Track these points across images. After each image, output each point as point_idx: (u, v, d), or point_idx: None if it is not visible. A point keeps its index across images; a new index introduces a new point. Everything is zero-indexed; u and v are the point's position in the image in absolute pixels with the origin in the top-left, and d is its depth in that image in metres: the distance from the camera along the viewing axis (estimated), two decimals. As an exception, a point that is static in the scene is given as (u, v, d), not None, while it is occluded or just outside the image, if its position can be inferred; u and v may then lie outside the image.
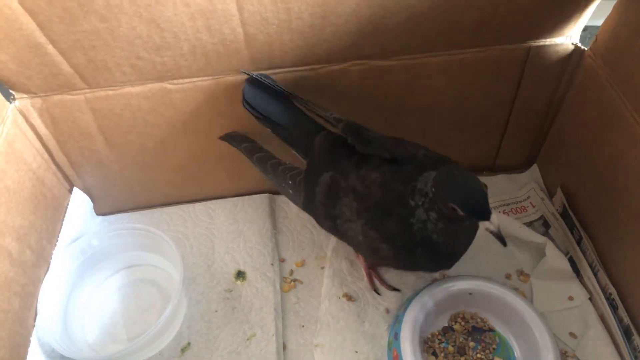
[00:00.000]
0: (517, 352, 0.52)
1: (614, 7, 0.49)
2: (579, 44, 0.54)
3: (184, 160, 0.62)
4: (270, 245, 0.62)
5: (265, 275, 0.59)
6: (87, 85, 0.53)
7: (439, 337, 0.53)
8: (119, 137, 0.58)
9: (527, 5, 0.50)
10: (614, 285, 0.52)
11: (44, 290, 0.53)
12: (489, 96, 0.59)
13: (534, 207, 0.64)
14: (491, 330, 0.53)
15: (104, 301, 0.59)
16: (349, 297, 0.57)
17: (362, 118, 0.56)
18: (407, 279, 0.58)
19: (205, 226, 0.65)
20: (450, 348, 0.52)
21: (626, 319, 0.51)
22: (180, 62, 0.51)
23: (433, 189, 0.42)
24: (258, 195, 0.67)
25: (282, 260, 0.62)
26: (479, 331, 0.53)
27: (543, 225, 0.62)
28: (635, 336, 0.50)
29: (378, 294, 0.57)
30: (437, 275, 0.58)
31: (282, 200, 0.67)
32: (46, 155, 0.58)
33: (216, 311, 0.57)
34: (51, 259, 0.56)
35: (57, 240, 0.58)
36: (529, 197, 0.65)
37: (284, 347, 0.54)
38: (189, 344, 0.54)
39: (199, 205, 0.67)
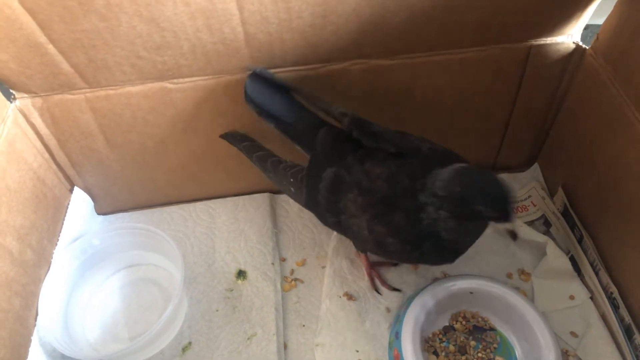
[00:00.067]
0: (518, 352, 0.52)
1: (615, 6, 0.49)
2: (580, 43, 0.54)
3: (185, 159, 0.62)
4: (271, 245, 0.62)
5: (266, 275, 0.59)
6: (88, 84, 0.53)
7: (440, 336, 0.53)
8: (120, 137, 0.58)
9: (528, 4, 0.50)
10: (615, 284, 0.52)
11: (45, 289, 0.53)
12: (489, 95, 0.59)
13: (535, 206, 0.64)
14: (492, 329, 0.53)
15: (105, 300, 0.59)
16: (350, 297, 0.57)
17: (363, 117, 0.56)
18: (408, 278, 0.58)
19: (206, 225, 0.65)
20: (451, 347, 0.52)
21: (627, 318, 0.51)
22: (180, 62, 0.51)
23: (455, 190, 0.41)
24: (259, 194, 0.67)
25: (282, 260, 0.62)
26: (480, 330, 0.53)
27: (544, 225, 0.62)
28: (636, 335, 0.49)
29: (379, 293, 0.57)
30: (438, 274, 0.58)
31: (283, 200, 0.67)
32: (47, 155, 0.58)
33: (217, 310, 0.57)
34: (52, 258, 0.56)
35: (57, 240, 0.58)
36: (530, 196, 0.65)
37: (285, 346, 0.54)
38: (190, 343, 0.54)
39: (199, 205, 0.67)
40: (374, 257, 0.59)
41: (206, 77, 0.54)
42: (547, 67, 0.56)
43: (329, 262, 0.60)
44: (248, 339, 0.54)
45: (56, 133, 0.57)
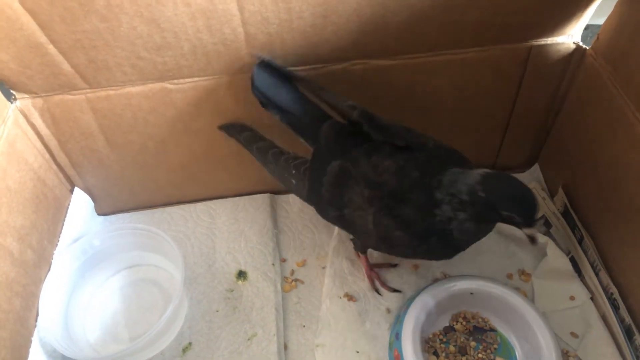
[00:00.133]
0: (518, 352, 0.52)
1: (616, 6, 0.49)
2: (581, 43, 0.54)
3: (185, 160, 0.62)
4: (272, 245, 0.62)
5: (267, 275, 0.59)
6: (88, 85, 0.53)
7: (440, 337, 0.53)
8: (120, 137, 0.58)
9: (528, 4, 0.50)
10: (616, 284, 0.52)
11: (46, 290, 0.53)
12: (490, 95, 0.59)
13: (535, 206, 0.63)
14: (492, 330, 0.53)
15: (106, 301, 0.59)
16: (350, 297, 0.57)
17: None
18: (408, 278, 0.58)
19: (206, 226, 0.65)
20: (452, 348, 0.52)
21: (627, 319, 0.50)
22: (180, 62, 0.51)
23: (480, 195, 0.42)
24: (259, 195, 0.67)
25: (283, 260, 0.62)
26: (481, 331, 0.53)
27: (544, 225, 0.62)
28: (636, 336, 0.49)
29: (379, 294, 0.57)
30: (438, 275, 0.58)
31: (284, 200, 0.67)
32: (47, 155, 0.58)
33: (217, 311, 0.57)
34: (52, 259, 0.56)
35: (58, 240, 0.58)
36: (530, 197, 0.64)
37: (285, 347, 0.54)
38: (190, 344, 0.54)
39: (200, 205, 0.67)
40: (373, 259, 0.59)
41: (207, 78, 0.54)
42: (548, 67, 0.56)
43: (330, 263, 0.60)
44: (248, 339, 0.54)
45: (57, 133, 0.57)
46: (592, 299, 0.55)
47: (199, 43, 0.50)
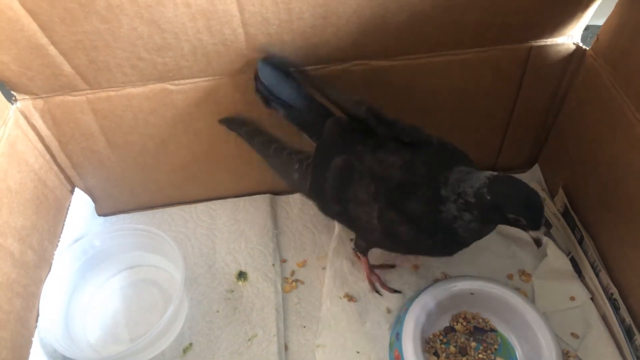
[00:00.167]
0: (518, 352, 0.52)
1: (616, 7, 0.49)
2: (581, 44, 0.54)
3: (185, 160, 0.62)
4: (272, 246, 0.62)
5: (267, 276, 0.59)
6: (89, 86, 0.53)
7: (441, 337, 0.53)
8: (121, 138, 0.58)
9: (528, 5, 0.50)
10: (616, 285, 0.52)
11: (46, 290, 0.53)
12: (490, 96, 0.59)
13: (535, 207, 0.63)
14: (493, 330, 0.53)
15: (106, 302, 0.59)
16: (350, 298, 0.57)
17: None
18: (408, 279, 0.58)
19: (206, 227, 0.65)
20: (452, 348, 0.52)
21: (628, 319, 0.50)
22: (181, 63, 0.51)
23: (486, 198, 0.42)
24: (259, 195, 0.67)
25: (283, 261, 0.62)
26: (481, 331, 0.53)
27: (544, 225, 0.61)
28: (637, 336, 0.49)
29: (379, 294, 0.57)
30: (438, 275, 0.58)
31: (284, 201, 0.67)
32: (48, 156, 0.58)
33: (218, 312, 0.57)
34: (53, 259, 0.56)
35: (58, 241, 0.58)
36: (530, 197, 0.65)
37: (286, 347, 0.54)
38: (190, 344, 0.54)
39: (200, 206, 0.67)
40: (373, 260, 0.59)
41: (207, 78, 0.54)
42: (548, 67, 0.56)
43: (330, 263, 0.60)
44: (249, 340, 0.54)
45: (57, 134, 0.57)
46: (592, 299, 0.55)
47: (199, 44, 0.50)
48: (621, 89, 0.49)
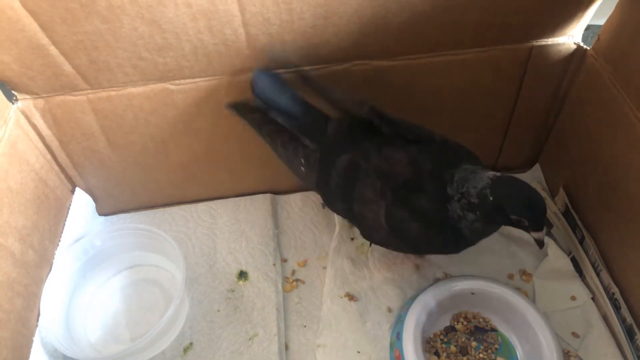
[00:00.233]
0: (519, 352, 0.52)
1: (616, 6, 0.49)
2: (581, 44, 0.54)
3: (186, 160, 0.62)
4: (272, 245, 0.62)
5: (267, 276, 0.59)
6: (90, 86, 0.53)
7: (441, 337, 0.53)
8: (121, 138, 0.58)
9: (528, 4, 0.50)
10: (617, 284, 0.52)
11: (47, 290, 0.53)
12: (490, 96, 0.59)
13: (536, 206, 0.63)
14: (493, 330, 0.53)
15: (107, 301, 0.59)
16: (351, 297, 0.57)
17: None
18: (409, 278, 0.58)
19: (207, 226, 0.65)
20: (453, 348, 0.52)
21: (629, 319, 0.50)
22: (182, 63, 0.51)
23: (491, 198, 0.42)
24: (260, 195, 0.67)
25: (284, 260, 0.62)
26: (482, 331, 0.53)
27: (545, 225, 0.62)
28: (638, 336, 0.49)
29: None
30: (439, 274, 0.58)
31: (284, 201, 0.68)
32: (49, 156, 0.58)
33: (218, 311, 0.57)
34: (54, 259, 0.56)
35: (59, 241, 0.58)
36: (531, 197, 0.65)
37: (286, 347, 0.54)
38: (191, 344, 0.54)
39: (201, 206, 0.67)
40: (374, 260, 0.59)
41: (208, 78, 0.54)
42: (548, 67, 0.56)
43: (330, 263, 0.60)
44: (249, 339, 0.54)
45: (58, 134, 0.57)
46: (593, 299, 0.55)
47: (200, 44, 0.50)
48: (622, 89, 0.49)
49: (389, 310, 0.56)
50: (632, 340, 0.50)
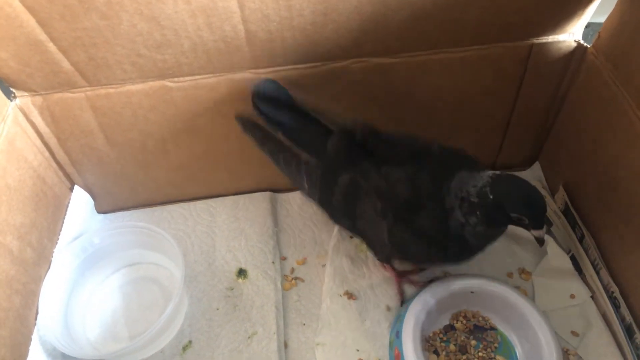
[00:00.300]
0: (519, 351, 0.52)
1: (617, 4, 0.49)
2: (582, 41, 0.54)
3: (185, 158, 0.62)
4: (272, 244, 0.62)
5: (267, 274, 0.59)
6: (88, 83, 0.53)
7: (441, 335, 0.53)
8: (120, 135, 0.58)
9: (529, 2, 0.49)
10: (616, 283, 0.52)
11: (45, 288, 0.53)
12: (490, 94, 0.59)
13: (535, 205, 0.63)
14: (493, 328, 0.53)
15: (105, 299, 0.59)
16: (350, 295, 0.57)
17: (363, 116, 0.56)
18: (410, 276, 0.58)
19: (206, 224, 0.65)
20: (452, 347, 0.52)
21: (628, 318, 0.50)
22: (181, 60, 0.51)
23: (489, 197, 0.42)
24: (259, 193, 0.67)
25: (283, 259, 0.62)
26: (481, 330, 0.53)
27: (545, 223, 0.62)
28: (637, 334, 0.49)
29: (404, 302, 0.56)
30: (438, 273, 0.58)
31: (284, 198, 0.67)
32: (47, 154, 0.58)
33: (217, 309, 0.57)
34: (52, 257, 0.56)
35: (58, 239, 0.58)
36: (530, 195, 0.64)
37: (285, 345, 0.54)
38: (190, 342, 0.54)
39: (200, 204, 0.67)
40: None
41: (207, 76, 0.54)
42: (549, 65, 0.56)
43: (329, 261, 0.60)
44: (249, 337, 0.54)
45: (56, 131, 0.57)
46: (592, 297, 0.55)
47: (199, 41, 0.49)
48: (622, 87, 0.49)
49: (388, 308, 0.56)
50: (632, 338, 0.50)
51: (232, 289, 0.58)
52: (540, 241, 0.44)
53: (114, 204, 0.67)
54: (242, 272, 0.60)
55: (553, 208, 0.62)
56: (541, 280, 0.57)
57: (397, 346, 0.50)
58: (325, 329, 0.54)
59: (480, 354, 0.51)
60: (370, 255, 0.60)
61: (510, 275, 0.58)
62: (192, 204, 0.67)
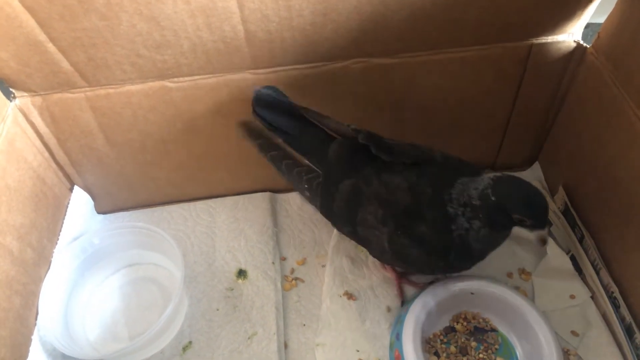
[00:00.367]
0: (519, 352, 0.52)
1: (617, 4, 0.49)
2: (581, 42, 0.54)
3: (185, 158, 0.62)
4: (272, 244, 0.62)
5: (267, 274, 0.59)
6: (88, 83, 0.53)
7: (441, 337, 0.53)
8: (120, 136, 0.58)
9: (528, 2, 0.49)
10: (616, 283, 0.52)
11: (45, 288, 0.53)
12: (490, 94, 0.59)
13: (535, 205, 0.63)
14: (493, 330, 0.53)
15: (105, 300, 0.58)
16: (350, 296, 0.57)
17: (363, 116, 0.56)
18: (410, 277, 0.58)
19: (206, 225, 0.65)
20: (453, 348, 0.52)
21: (628, 318, 0.50)
22: (180, 60, 0.51)
23: (491, 199, 0.42)
24: (259, 193, 0.67)
25: (283, 259, 0.62)
26: (481, 331, 0.53)
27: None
28: (637, 334, 0.49)
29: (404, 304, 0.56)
30: (438, 274, 0.58)
31: (283, 199, 0.67)
32: (47, 154, 0.58)
33: (217, 310, 0.57)
34: (52, 257, 0.56)
35: (58, 239, 0.58)
36: (530, 196, 0.64)
37: (285, 345, 0.54)
38: (190, 342, 0.54)
39: (199, 204, 0.67)
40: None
41: (206, 76, 0.54)
42: (548, 65, 0.56)
43: (329, 261, 0.60)
44: (249, 338, 0.54)
45: (56, 132, 0.57)
46: (592, 297, 0.55)
47: (199, 41, 0.49)
48: (622, 87, 0.49)
49: (388, 309, 0.56)
50: (631, 339, 0.50)
51: (232, 290, 0.58)
52: (543, 241, 0.44)
53: (113, 204, 0.67)
54: (242, 273, 0.59)
55: (553, 208, 0.62)
56: (541, 280, 0.57)
57: (397, 348, 0.50)
58: (325, 330, 0.54)
59: (480, 355, 0.51)
60: (369, 255, 0.60)
61: (510, 275, 0.58)
62: (191, 205, 0.67)
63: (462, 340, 0.52)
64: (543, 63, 0.55)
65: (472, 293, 0.53)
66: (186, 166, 0.63)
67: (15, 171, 0.52)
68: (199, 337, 0.55)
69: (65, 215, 0.60)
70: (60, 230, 0.58)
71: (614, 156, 0.51)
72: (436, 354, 0.52)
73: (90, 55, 0.49)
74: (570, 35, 0.54)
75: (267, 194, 0.67)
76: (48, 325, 0.51)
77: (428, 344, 0.52)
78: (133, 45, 0.49)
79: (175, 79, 0.53)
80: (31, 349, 0.50)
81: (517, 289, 0.55)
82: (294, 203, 0.67)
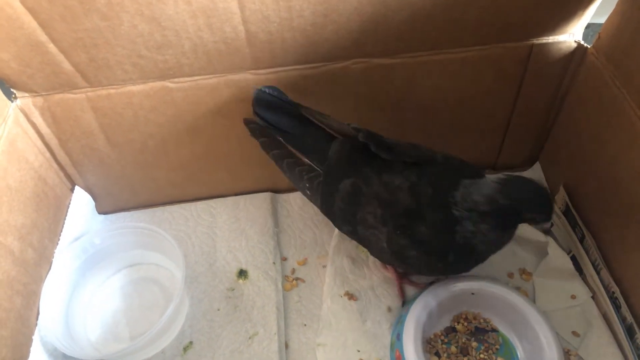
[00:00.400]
0: (520, 352, 0.52)
1: (617, 4, 0.49)
2: (582, 42, 0.54)
3: (186, 159, 0.62)
4: (272, 244, 0.62)
5: (267, 274, 0.59)
6: (89, 83, 0.53)
7: (442, 337, 0.53)
8: (121, 136, 0.58)
9: (529, 2, 0.49)
10: (617, 283, 0.52)
11: (46, 289, 0.53)
12: (491, 94, 0.59)
13: (536, 205, 0.63)
14: (494, 330, 0.53)
15: (106, 300, 0.59)
16: (351, 296, 0.57)
17: (364, 116, 0.56)
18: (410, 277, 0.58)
19: (207, 225, 0.65)
20: (453, 348, 0.52)
21: (629, 318, 0.50)
22: (181, 61, 0.51)
23: (505, 202, 0.43)
24: (260, 193, 0.67)
25: (284, 259, 0.62)
26: (482, 331, 0.53)
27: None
28: (638, 335, 0.49)
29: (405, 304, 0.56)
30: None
31: (284, 199, 0.67)
32: (48, 154, 0.58)
33: (218, 310, 0.57)
34: (53, 257, 0.56)
35: (59, 239, 0.58)
36: (531, 196, 0.64)
37: (286, 345, 0.54)
38: (191, 342, 0.54)
39: (200, 204, 0.67)
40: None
41: (207, 76, 0.54)
42: (549, 66, 0.56)
43: (330, 261, 0.60)
44: (249, 338, 0.54)
45: (57, 132, 0.57)
46: (593, 297, 0.55)
47: (200, 41, 0.49)
48: (623, 87, 0.49)
49: (389, 309, 0.56)
50: (632, 339, 0.50)
51: (233, 290, 0.58)
52: (547, 230, 0.45)
53: (114, 204, 0.67)
54: (242, 273, 0.60)
55: (553, 208, 0.62)
56: (542, 280, 0.57)
57: (398, 348, 0.50)
58: (326, 330, 0.54)
59: (481, 355, 0.51)
60: (370, 255, 0.60)
61: (511, 275, 0.58)
62: (192, 205, 0.67)
63: (463, 340, 0.52)
64: (544, 63, 0.55)
65: (472, 293, 0.53)
66: (187, 166, 0.63)
67: (17, 171, 0.52)
68: (200, 337, 0.55)
69: (66, 215, 0.60)
70: (62, 231, 0.58)
71: (615, 156, 0.51)
72: (437, 354, 0.52)
73: (91, 55, 0.50)
74: (571, 36, 0.54)
75: (268, 194, 0.67)
76: (49, 325, 0.51)
77: (429, 344, 0.52)
78: (134, 46, 0.49)
79: (177, 80, 0.54)
80: (32, 349, 0.50)
81: (517, 289, 0.55)
82: (295, 203, 0.67)
